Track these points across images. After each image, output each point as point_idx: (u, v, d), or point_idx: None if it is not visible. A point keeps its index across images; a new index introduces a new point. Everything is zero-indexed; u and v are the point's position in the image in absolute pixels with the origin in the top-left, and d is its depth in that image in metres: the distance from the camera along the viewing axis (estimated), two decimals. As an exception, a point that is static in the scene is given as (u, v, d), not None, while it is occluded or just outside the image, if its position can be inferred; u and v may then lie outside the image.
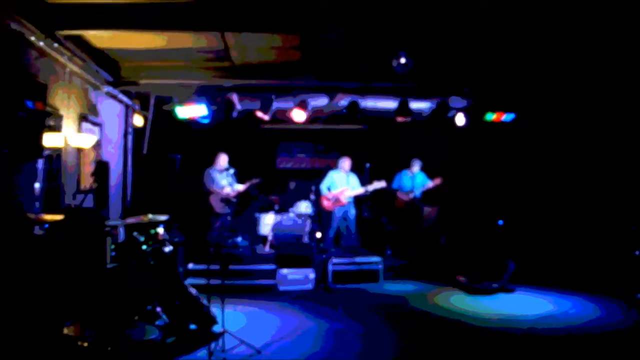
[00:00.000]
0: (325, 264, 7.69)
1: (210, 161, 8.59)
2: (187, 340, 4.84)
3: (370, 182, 8.62)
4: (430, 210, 9.44)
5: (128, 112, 8.52)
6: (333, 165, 9.16)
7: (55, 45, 5.55)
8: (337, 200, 8.62)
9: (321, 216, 8.87)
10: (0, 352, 3.75)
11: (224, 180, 8.47)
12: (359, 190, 8.69)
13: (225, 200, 8.40)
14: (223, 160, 8.51)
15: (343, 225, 8.80)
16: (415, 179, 9.14)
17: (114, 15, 5.47)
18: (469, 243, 8.55)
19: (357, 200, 9.06)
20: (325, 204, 8.73)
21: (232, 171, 8.08)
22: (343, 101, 8.45)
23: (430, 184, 9.00)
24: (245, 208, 9.58)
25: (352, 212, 8.75)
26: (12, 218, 4.51)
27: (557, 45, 6.45)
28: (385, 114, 8.78)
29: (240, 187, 8.49)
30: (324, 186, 8.77)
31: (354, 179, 8.81)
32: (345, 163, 8.84)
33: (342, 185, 8.70)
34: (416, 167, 9.22)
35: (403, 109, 8.23)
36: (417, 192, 9.11)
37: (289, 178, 10.67)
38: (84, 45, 6.39)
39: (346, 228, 8.78)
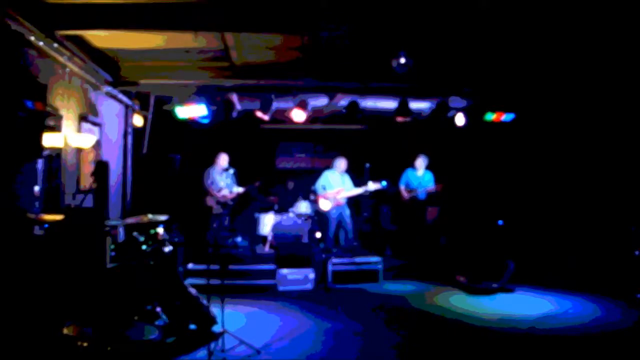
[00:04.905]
0: (325, 264, 7.68)
1: (210, 161, 8.59)
2: (187, 340, 4.83)
3: (366, 182, 8.56)
4: (431, 210, 9.44)
5: (128, 112, 8.52)
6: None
7: (55, 45, 5.55)
8: (334, 200, 8.59)
9: (320, 216, 8.86)
10: (0, 352, 3.75)
11: (223, 182, 8.47)
12: (356, 190, 8.66)
13: (222, 201, 8.40)
14: (223, 160, 8.51)
15: (340, 226, 8.78)
16: (423, 179, 9.06)
17: (114, 15, 5.47)
18: (469, 243, 8.56)
19: (354, 200, 9.04)
20: (323, 203, 8.68)
21: (232, 171, 8.07)
22: (343, 101, 8.45)
23: (432, 187, 8.96)
24: (244, 208, 9.58)
25: (347, 212, 8.69)
26: (12, 218, 4.51)
27: (557, 45, 6.45)
28: (385, 114, 8.79)
29: (239, 190, 8.47)
30: (319, 185, 8.70)
31: (348, 180, 8.77)
32: (341, 163, 8.78)
33: (337, 185, 8.66)
34: (423, 164, 9.07)
35: (403, 109, 8.23)
36: (421, 193, 9.03)
37: (288, 178, 10.67)
38: (84, 45, 6.39)
39: (343, 228, 8.76)
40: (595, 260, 7.88)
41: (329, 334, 5.44)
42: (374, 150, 10.16)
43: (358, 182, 8.71)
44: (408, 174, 9.15)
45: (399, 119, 8.43)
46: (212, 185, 8.42)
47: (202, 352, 4.69)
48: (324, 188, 8.66)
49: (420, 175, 9.09)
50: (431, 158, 9.17)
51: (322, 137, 11.16)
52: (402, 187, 9.14)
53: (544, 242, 8.59)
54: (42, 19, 5.24)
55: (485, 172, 9.66)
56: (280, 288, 7.46)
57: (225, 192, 8.40)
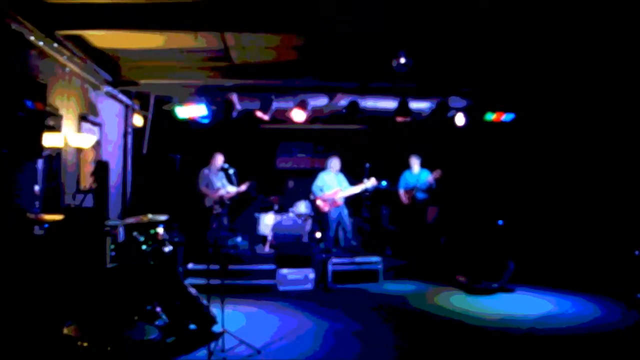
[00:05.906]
0: (325, 264, 7.68)
1: (210, 161, 8.57)
2: (187, 340, 4.84)
3: (361, 181, 8.54)
4: (431, 210, 9.44)
5: (128, 112, 8.52)
6: (333, 165, 9.14)
7: (55, 45, 5.55)
8: (333, 201, 8.58)
9: (320, 216, 8.86)
10: (0, 352, 3.75)
11: (219, 182, 8.46)
12: (353, 189, 8.66)
13: (219, 201, 8.39)
14: (218, 160, 8.47)
15: (340, 226, 8.78)
16: (420, 177, 9.06)
17: (114, 15, 5.47)
18: (469, 243, 8.55)
19: (354, 200, 9.03)
20: (321, 205, 8.68)
21: (232, 171, 8.05)
22: (343, 101, 8.44)
23: (430, 177, 8.92)
24: (244, 208, 9.57)
25: (345, 212, 8.71)
26: (12, 218, 4.51)
27: (557, 45, 6.45)
28: (385, 114, 8.78)
29: (234, 190, 8.45)
30: (316, 188, 8.72)
31: (343, 180, 8.78)
32: (335, 163, 8.80)
33: (334, 185, 8.66)
34: (416, 163, 9.10)
35: (403, 109, 8.23)
36: (423, 184, 8.96)
37: (288, 178, 10.66)
38: (83, 45, 6.39)
39: (342, 229, 8.76)
40: (595, 260, 7.87)
41: (329, 333, 5.45)
42: (374, 150, 10.15)
43: (356, 181, 8.71)
44: (405, 175, 9.19)
45: (399, 119, 8.43)
46: (207, 186, 8.40)
47: (202, 352, 4.69)
48: (322, 190, 8.67)
49: (416, 173, 9.11)
50: (431, 158, 9.15)
51: (322, 137, 11.14)
52: (400, 191, 9.16)
53: (544, 242, 8.58)
54: (42, 19, 5.24)
55: (485, 172, 9.65)
56: (281, 288, 7.46)
57: (222, 192, 8.39)
